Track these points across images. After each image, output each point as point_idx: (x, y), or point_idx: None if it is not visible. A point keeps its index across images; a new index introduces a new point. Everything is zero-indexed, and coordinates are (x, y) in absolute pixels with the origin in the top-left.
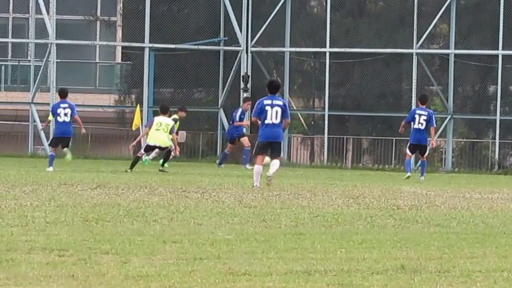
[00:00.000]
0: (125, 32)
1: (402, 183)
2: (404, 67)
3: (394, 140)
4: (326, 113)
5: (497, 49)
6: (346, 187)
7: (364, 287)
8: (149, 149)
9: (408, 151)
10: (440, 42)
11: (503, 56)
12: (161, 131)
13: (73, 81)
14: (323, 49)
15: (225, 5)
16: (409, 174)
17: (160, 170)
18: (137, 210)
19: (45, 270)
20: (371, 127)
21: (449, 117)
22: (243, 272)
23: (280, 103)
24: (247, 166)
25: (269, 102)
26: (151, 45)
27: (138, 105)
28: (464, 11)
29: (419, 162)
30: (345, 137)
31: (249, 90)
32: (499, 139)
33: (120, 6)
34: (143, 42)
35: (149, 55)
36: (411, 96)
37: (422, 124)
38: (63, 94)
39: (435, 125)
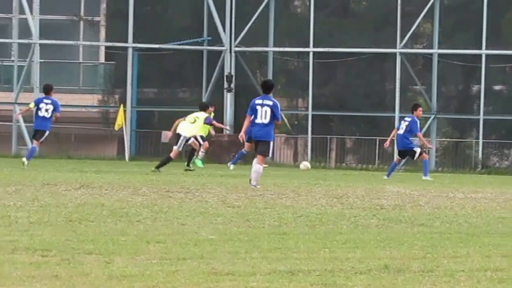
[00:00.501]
0: (108, 32)
1: (386, 183)
2: (388, 66)
3: (377, 140)
4: (310, 112)
5: (481, 48)
6: (329, 187)
7: (347, 286)
8: (179, 140)
9: (397, 156)
10: (424, 42)
11: (487, 55)
12: (186, 121)
13: (57, 81)
14: (306, 49)
15: (208, 5)
16: (385, 177)
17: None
18: (121, 210)
19: (28, 270)
20: (355, 126)
21: (432, 116)
22: (227, 272)
23: (270, 103)
24: (231, 166)
25: (260, 101)
26: (134, 45)
27: (122, 105)
28: (448, 11)
29: (403, 162)
30: (328, 136)
31: (233, 90)
32: (483, 138)
33: (103, 6)
34: (127, 42)
35: (132, 55)
36: (395, 96)
37: (402, 129)
38: (47, 90)
39: (416, 132)
